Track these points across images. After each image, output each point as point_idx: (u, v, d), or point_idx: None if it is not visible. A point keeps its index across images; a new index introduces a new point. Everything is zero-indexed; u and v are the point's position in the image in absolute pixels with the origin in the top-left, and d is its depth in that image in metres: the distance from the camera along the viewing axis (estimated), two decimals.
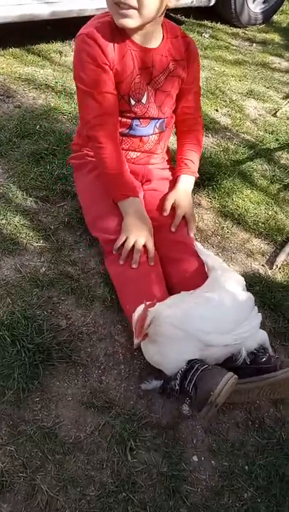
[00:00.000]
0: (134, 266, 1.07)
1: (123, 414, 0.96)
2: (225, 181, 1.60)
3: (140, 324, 0.91)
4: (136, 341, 0.92)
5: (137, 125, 1.16)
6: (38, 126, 1.62)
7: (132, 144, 1.19)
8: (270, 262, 1.40)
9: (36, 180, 1.42)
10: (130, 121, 1.14)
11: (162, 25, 1.08)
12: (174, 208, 1.20)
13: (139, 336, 0.91)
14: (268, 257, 1.42)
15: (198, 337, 0.95)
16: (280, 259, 1.40)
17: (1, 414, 0.92)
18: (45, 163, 1.47)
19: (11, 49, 2.07)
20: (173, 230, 1.17)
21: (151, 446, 0.92)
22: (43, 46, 2.16)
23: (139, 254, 1.07)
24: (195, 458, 0.93)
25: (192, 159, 1.26)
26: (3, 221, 1.28)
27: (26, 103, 1.76)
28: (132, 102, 1.10)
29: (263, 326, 1.18)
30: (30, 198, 1.37)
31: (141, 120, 1.15)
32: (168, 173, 1.30)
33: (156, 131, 1.20)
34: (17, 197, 1.36)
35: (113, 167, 1.11)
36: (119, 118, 1.12)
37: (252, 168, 1.73)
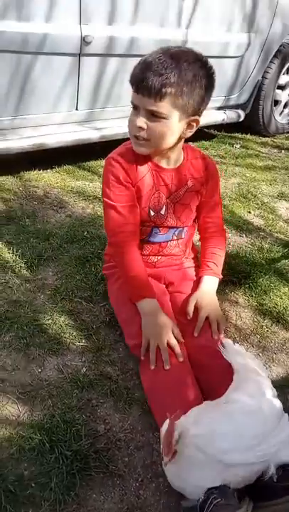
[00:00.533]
0: (166, 367, 1.07)
1: None
2: (261, 279, 1.63)
3: (168, 440, 0.86)
4: (165, 460, 0.87)
5: (156, 232, 1.28)
6: (86, 233, 1.79)
7: (152, 250, 1.30)
8: None
9: (82, 281, 1.53)
10: (150, 229, 1.27)
11: (183, 149, 1.25)
12: (197, 309, 1.21)
13: (168, 453, 0.86)
14: None
15: (217, 457, 0.88)
16: None
17: None
18: (91, 266, 1.60)
19: (64, 166, 2.38)
20: (196, 334, 1.17)
21: None
22: (92, 163, 2.46)
23: (167, 353, 1.08)
24: None
25: (215, 261, 1.32)
26: (50, 321, 1.36)
27: (76, 212, 1.97)
28: (152, 213, 1.24)
29: None
30: (76, 299, 1.46)
31: (160, 228, 1.27)
32: (191, 273, 1.35)
33: (175, 237, 1.31)
34: (63, 298, 1.46)
35: (132, 269, 1.20)
36: (140, 227, 1.25)
37: (287, 266, 1.76)
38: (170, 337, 1.12)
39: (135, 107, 1.10)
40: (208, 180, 1.30)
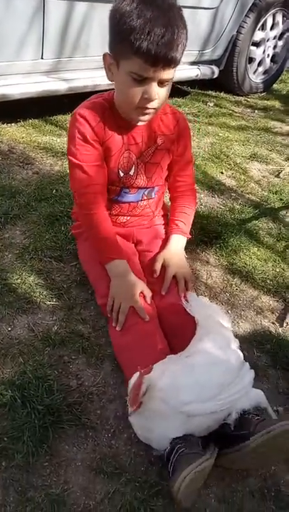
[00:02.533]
0: (117, 328, 1.09)
1: (133, 481, 0.93)
2: (232, 239, 1.65)
3: (135, 392, 0.87)
4: (130, 410, 0.89)
5: (125, 192, 1.24)
6: (55, 191, 1.73)
7: (121, 210, 1.27)
8: (281, 320, 1.40)
9: (51, 240, 1.49)
10: (119, 189, 1.23)
11: None
12: (164, 268, 1.21)
13: (134, 404, 0.88)
14: (277, 315, 1.42)
15: (179, 408, 0.90)
16: None
17: (9, 479, 0.90)
18: (60, 225, 1.55)
19: (30, 120, 2.25)
20: (163, 293, 1.18)
21: None
22: (60, 117, 2.34)
23: (123, 317, 1.09)
24: None
25: (183, 220, 1.31)
26: (19, 280, 1.33)
27: (44, 169, 1.88)
28: (121, 174, 1.20)
29: (276, 387, 1.17)
30: (45, 258, 1.43)
31: (130, 188, 1.24)
32: (161, 231, 1.34)
33: (145, 197, 1.28)
34: (32, 257, 1.42)
35: (100, 231, 1.17)
36: (109, 186, 1.21)
37: (258, 226, 1.79)
38: (135, 301, 1.11)
39: (143, 79, 1.00)
40: (179, 136, 1.25)
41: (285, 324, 1.38)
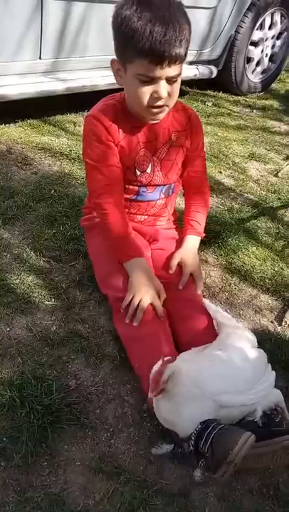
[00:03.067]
0: (135, 324, 1.10)
1: (133, 480, 0.93)
2: (230, 239, 1.65)
3: (156, 378, 0.90)
4: (150, 395, 0.91)
5: (144, 191, 1.25)
6: (53, 191, 1.73)
7: (139, 209, 1.28)
8: (279, 319, 1.40)
9: (50, 241, 1.50)
10: (137, 188, 1.23)
11: None
12: (180, 266, 1.24)
13: (154, 390, 0.90)
14: (276, 314, 1.42)
15: (214, 397, 0.94)
16: None
17: (8, 479, 0.90)
18: (59, 225, 1.55)
19: (29, 120, 2.25)
20: (180, 287, 1.20)
21: None
22: (58, 117, 2.34)
23: (142, 313, 1.10)
24: None
25: (198, 220, 1.33)
26: (17, 281, 1.33)
27: (42, 170, 1.88)
28: (138, 173, 1.20)
29: (275, 386, 1.17)
30: (44, 258, 1.43)
31: (148, 187, 1.24)
32: (174, 233, 1.36)
33: (163, 196, 1.28)
34: (31, 257, 1.43)
35: (118, 231, 1.19)
36: (127, 186, 1.22)
37: (256, 226, 1.79)
38: (155, 298, 1.13)
39: (151, 79, 1.00)
40: (191, 132, 1.25)
41: (283, 323, 1.38)
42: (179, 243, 1.31)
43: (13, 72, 1.99)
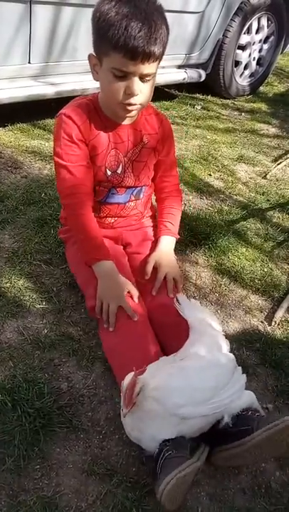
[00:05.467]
0: (110, 329, 1.09)
1: (125, 482, 0.93)
2: (220, 240, 1.67)
3: (130, 393, 0.87)
4: (125, 411, 0.89)
5: (113, 193, 1.25)
6: (43, 194, 1.73)
7: (109, 212, 1.28)
8: (269, 319, 1.42)
9: (40, 244, 1.50)
10: (107, 190, 1.24)
11: None
12: (155, 269, 1.22)
13: (129, 404, 0.88)
14: (266, 313, 1.44)
15: (172, 411, 0.91)
16: (279, 315, 1.42)
17: (0, 483, 0.90)
18: (49, 228, 1.56)
19: (18, 124, 2.25)
20: (154, 293, 1.18)
21: None
22: (48, 121, 2.35)
23: (114, 318, 1.09)
24: None
25: (171, 221, 1.32)
26: (8, 284, 1.33)
27: (32, 173, 1.89)
28: (108, 173, 1.20)
29: (265, 385, 1.19)
30: (35, 262, 1.43)
31: (117, 189, 1.24)
32: (150, 233, 1.35)
33: (133, 198, 1.29)
34: (22, 261, 1.42)
35: (85, 232, 1.17)
36: (97, 187, 1.22)
37: (246, 227, 1.81)
38: (122, 301, 1.11)
39: (124, 74, 1.00)
40: (163, 137, 1.26)
41: (273, 323, 1.40)
42: (154, 245, 1.29)
43: (2, 77, 1.99)
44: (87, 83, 2.22)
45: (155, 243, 1.30)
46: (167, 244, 1.29)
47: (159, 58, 1.02)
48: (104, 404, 1.07)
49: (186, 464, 0.84)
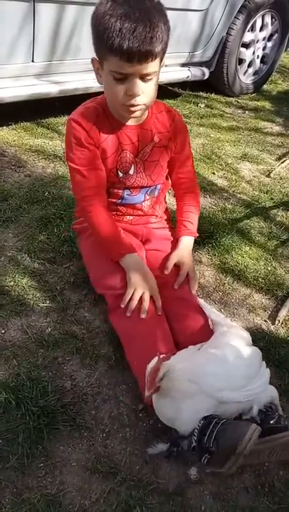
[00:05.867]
0: (142, 316, 1.10)
1: (129, 480, 0.94)
2: (224, 239, 1.67)
3: (152, 376, 0.90)
4: (147, 393, 0.92)
5: (128, 195, 1.25)
6: (47, 193, 1.73)
7: (126, 212, 1.29)
8: (272, 317, 1.42)
9: (44, 243, 1.50)
10: (121, 191, 1.24)
11: None
12: (176, 267, 1.25)
13: (151, 388, 0.91)
14: (269, 312, 1.44)
15: (212, 394, 0.95)
16: (282, 314, 1.42)
17: (4, 481, 0.90)
18: (53, 227, 1.56)
19: (22, 123, 2.25)
20: (176, 287, 1.21)
21: None
22: (51, 120, 2.35)
23: (147, 304, 1.12)
24: None
25: (190, 220, 1.33)
26: (12, 283, 1.33)
27: (36, 172, 1.89)
28: (120, 174, 1.21)
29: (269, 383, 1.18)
30: (38, 260, 1.43)
31: (131, 190, 1.25)
32: (168, 233, 1.36)
33: (148, 197, 1.29)
34: (25, 259, 1.43)
35: (105, 232, 1.19)
36: (111, 189, 1.23)
37: (249, 226, 1.80)
38: (154, 290, 1.15)
39: (124, 76, 1.00)
40: (175, 133, 1.25)
41: (277, 322, 1.40)
42: (174, 244, 1.31)
43: (6, 75, 1.99)
44: (91, 82, 2.22)
45: (175, 242, 1.31)
46: (187, 244, 1.31)
47: (158, 56, 1.00)
48: (108, 402, 1.08)
49: (255, 425, 0.88)
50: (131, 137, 1.18)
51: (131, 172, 1.22)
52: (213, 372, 0.98)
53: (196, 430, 0.92)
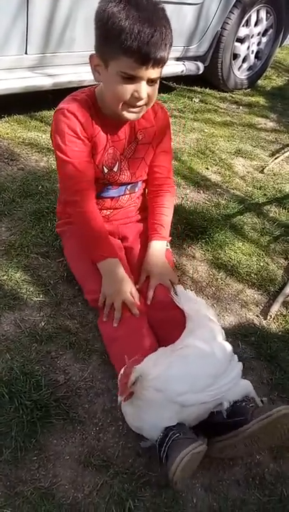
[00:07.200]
0: (114, 325, 1.11)
1: (121, 473, 0.94)
2: (217, 234, 1.67)
3: (124, 381, 0.89)
4: (119, 399, 0.91)
5: (108, 188, 1.25)
6: (40, 187, 1.72)
7: (104, 204, 1.28)
8: (264, 313, 1.43)
9: (37, 237, 1.49)
10: (102, 186, 1.24)
11: None
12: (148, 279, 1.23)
13: (123, 393, 0.90)
14: (261, 307, 1.45)
15: (173, 399, 0.93)
16: (274, 309, 1.43)
17: None
18: (46, 221, 1.55)
19: (15, 116, 2.23)
20: (148, 303, 1.18)
21: (151, 506, 0.90)
22: (45, 113, 2.33)
23: (119, 314, 1.11)
24: None
25: (162, 224, 1.31)
26: (5, 277, 1.33)
27: (29, 165, 1.87)
28: (105, 170, 1.21)
29: (259, 378, 1.20)
30: (32, 255, 1.43)
31: (112, 185, 1.25)
32: (144, 226, 1.35)
33: (128, 192, 1.29)
34: (18, 253, 1.42)
35: (92, 230, 1.18)
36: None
37: (242, 221, 1.81)
38: (126, 297, 1.13)
39: (132, 78, 1.01)
40: (158, 127, 1.24)
41: (268, 317, 1.41)
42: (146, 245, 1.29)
43: None
44: (85, 75, 2.20)
45: (146, 246, 1.28)
46: (158, 249, 1.28)
47: (166, 62, 1.03)
48: (101, 396, 1.08)
49: (196, 443, 0.87)
50: (119, 134, 1.18)
51: (115, 169, 1.21)
52: (176, 375, 0.96)
53: (157, 442, 0.92)
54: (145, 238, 1.31)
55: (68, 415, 1.02)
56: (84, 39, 2.11)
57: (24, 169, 1.84)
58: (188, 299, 1.17)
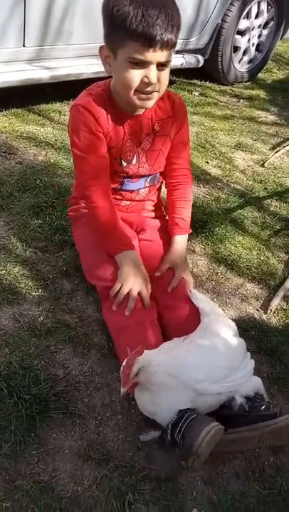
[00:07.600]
0: (126, 313, 1.10)
1: (121, 466, 0.94)
2: (217, 228, 1.66)
3: (126, 372, 0.90)
4: (122, 390, 0.92)
5: (128, 181, 1.25)
6: (38, 181, 1.71)
7: (124, 196, 1.28)
8: (265, 307, 1.42)
9: (36, 231, 1.48)
10: (121, 179, 1.23)
11: None
12: (170, 268, 1.23)
13: (125, 384, 0.91)
14: (262, 302, 1.44)
15: (190, 386, 0.95)
16: (274, 303, 1.43)
17: None
18: (45, 216, 1.54)
19: (13, 109, 2.21)
20: (169, 290, 1.19)
21: (151, 500, 0.91)
22: (43, 106, 2.31)
23: (133, 303, 1.11)
24: (195, 511, 0.91)
25: (183, 217, 1.31)
26: (3, 271, 1.32)
27: (27, 159, 1.86)
28: (124, 164, 1.20)
29: (259, 372, 1.19)
30: (30, 249, 1.42)
31: (132, 178, 1.24)
32: (161, 222, 1.36)
33: (147, 184, 1.29)
34: (17, 248, 1.41)
35: (107, 224, 1.18)
36: (112, 176, 1.21)
37: (243, 215, 1.80)
38: (143, 288, 1.14)
39: (141, 63, 1.00)
40: (175, 117, 1.23)
41: (269, 311, 1.41)
42: (164, 232, 1.30)
43: None
44: (83, 67, 2.18)
45: (169, 240, 1.28)
46: (181, 243, 1.29)
47: (174, 46, 1.01)
48: (101, 390, 1.08)
49: (217, 423, 0.88)
50: (135, 127, 1.17)
51: (134, 162, 1.21)
52: (194, 363, 0.98)
53: (170, 423, 0.92)
54: (162, 233, 1.32)
55: (68, 409, 1.02)
56: (82, 32, 2.09)
57: (22, 163, 1.83)
58: (202, 298, 1.19)
